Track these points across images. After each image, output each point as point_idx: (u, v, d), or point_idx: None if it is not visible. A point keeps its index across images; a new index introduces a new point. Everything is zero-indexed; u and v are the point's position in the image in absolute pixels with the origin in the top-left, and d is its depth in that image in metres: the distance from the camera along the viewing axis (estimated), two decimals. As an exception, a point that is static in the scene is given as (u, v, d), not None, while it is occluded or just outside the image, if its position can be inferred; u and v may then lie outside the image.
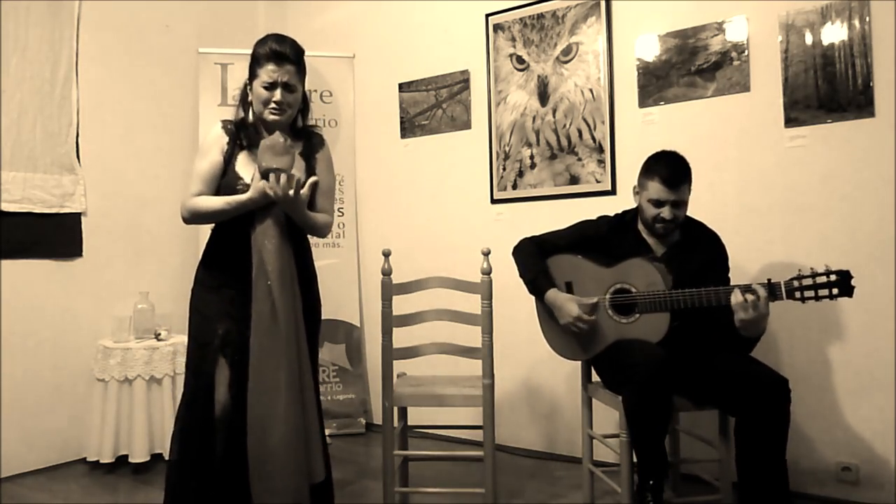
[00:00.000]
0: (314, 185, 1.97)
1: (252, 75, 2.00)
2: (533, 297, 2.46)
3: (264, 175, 1.86)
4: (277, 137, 1.88)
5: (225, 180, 1.99)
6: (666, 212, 2.21)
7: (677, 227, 2.27)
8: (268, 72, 1.95)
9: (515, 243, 2.50)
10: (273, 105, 1.97)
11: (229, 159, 2.00)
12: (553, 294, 2.32)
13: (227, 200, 1.94)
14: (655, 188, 2.22)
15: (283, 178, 1.85)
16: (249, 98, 2.03)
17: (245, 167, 1.99)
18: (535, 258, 2.40)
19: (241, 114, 2.06)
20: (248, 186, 1.93)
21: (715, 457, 2.30)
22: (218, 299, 1.98)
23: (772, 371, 2.03)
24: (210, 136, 2.04)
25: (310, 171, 2.05)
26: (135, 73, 3.50)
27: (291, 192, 1.85)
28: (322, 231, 2.07)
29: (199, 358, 1.96)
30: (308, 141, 2.11)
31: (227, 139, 2.01)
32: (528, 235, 2.50)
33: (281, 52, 1.95)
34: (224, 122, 2.06)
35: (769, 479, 1.95)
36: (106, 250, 3.33)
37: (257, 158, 1.89)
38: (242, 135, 2.02)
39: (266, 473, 1.84)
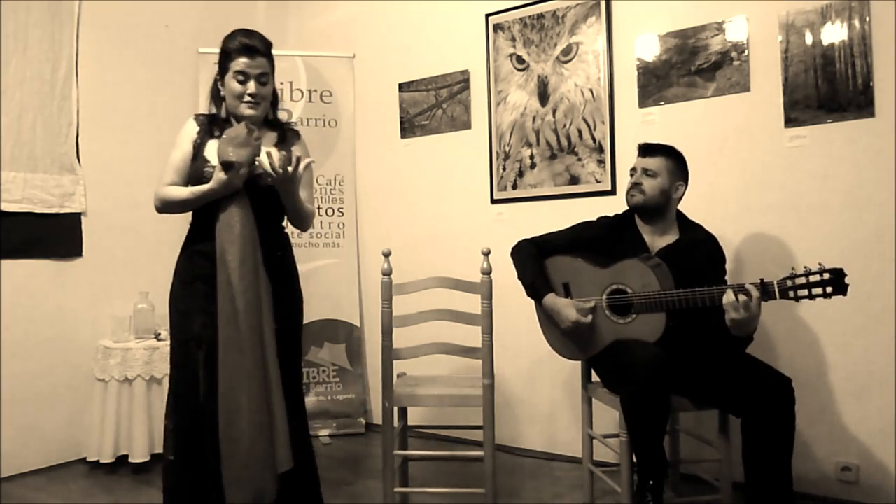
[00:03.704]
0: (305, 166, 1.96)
1: (223, 70, 2.03)
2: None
3: (223, 167, 1.87)
4: (241, 129, 1.88)
5: (194, 165, 2.01)
6: (635, 176, 2.35)
7: (646, 198, 2.31)
8: (240, 64, 1.98)
9: (514, 244, 2.50)
10: (248, 97, 1.99)
11: (200, 146, 2.02)
12: (551, 300, 2.33)
13: (192, 190, 1.96)
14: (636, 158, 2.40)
15: (277, 156, 1.85)
16: (222, 93, 2.05)
17: (214, 153, 2.00)
18: (533, 260, 2.41)
19: (214, 110, 2.09)
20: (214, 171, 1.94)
21: (715, 457, 2.30)
22: (192, 294, 1.99)
23: (774, 370, 2.03)
24: (183, 129, 2.08)
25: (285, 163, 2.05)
26: (135, 73, 3.50)
27: (290, 168, 1.85)
28: (307, 221, 2.09)
29: (182, 355, 1.98)
30: (282, 134, 2.13)
31: (197, 129, 2.05)
32: (527, 237, 2.51)
33: (251, 45, 1.99)
34: (197, 115, 2.10)
35: (776, 477, 1.95)
36: (106, 250, 3.33)
37: (217, 148, 1.90)
38: (215, 127, 2.04)
39: (233, 464, 1.85)
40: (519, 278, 2.44)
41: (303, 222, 2.09)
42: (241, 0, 4.02)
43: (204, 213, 1.99)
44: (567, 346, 2.39)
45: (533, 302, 2.47)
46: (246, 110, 2.00)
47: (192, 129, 2.06)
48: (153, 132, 3.55)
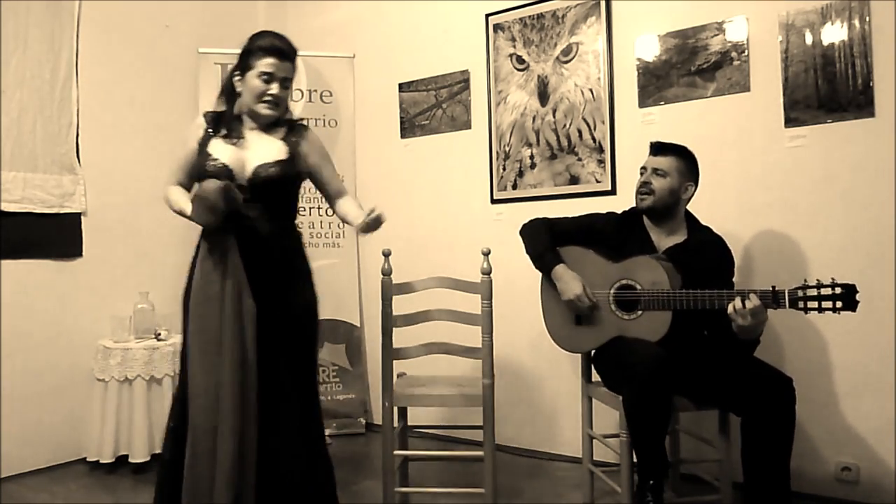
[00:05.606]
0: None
1: (246, 67, 2.01)
2: (533, 297, 2.46)
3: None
4: (212, 186, 1.86)
5: (198, 160, 2.02)
6: (644, 175, 2.35)
7: (656, 199, 2.30)
8: (267, 64, 1.98)
9: (523, 223, 2.50)
10: (269, 97, 2.00)
11: (204, 143, 2.03)
12: (562, 269, 2.33)
13: (182, 208, 1.98)
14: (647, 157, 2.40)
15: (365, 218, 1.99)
16: (238, 89, 2.04)
17: (218, 148, 2.00)
18: (544, 235, 2.42)
19: (224, 106, 2.08)
20: (216, 165, 1.95)
21: (715, 457, 2.30)
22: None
23: (776, 370, 2.03)
24: (191, 126, 2.09)
25: (293, 154, 2.05)
26: (135, 73, 3.50)
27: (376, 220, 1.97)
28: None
29: (185, 355, 1.99)
30: (290, 129, 2.12)
31: (203, 126, 2.06)
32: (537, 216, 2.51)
33: (282, 48, 2.00)
34: (205, 112, 2.11)
35: (774, 477, 1.95)
36: (106, 250, 3.33)
37: (191, 208, 1.89)
38: (221, 124, 2.04)
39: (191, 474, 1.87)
40: (527, 252, 2.44)
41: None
42: (241, 0, 4.02)
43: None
44: (568, 336, 2.39)
45: (532, 301, 2.47)
46: (264, 110, 2.01)
47: (198, 127, 2.07)
48: (153, 132, 3.55)
